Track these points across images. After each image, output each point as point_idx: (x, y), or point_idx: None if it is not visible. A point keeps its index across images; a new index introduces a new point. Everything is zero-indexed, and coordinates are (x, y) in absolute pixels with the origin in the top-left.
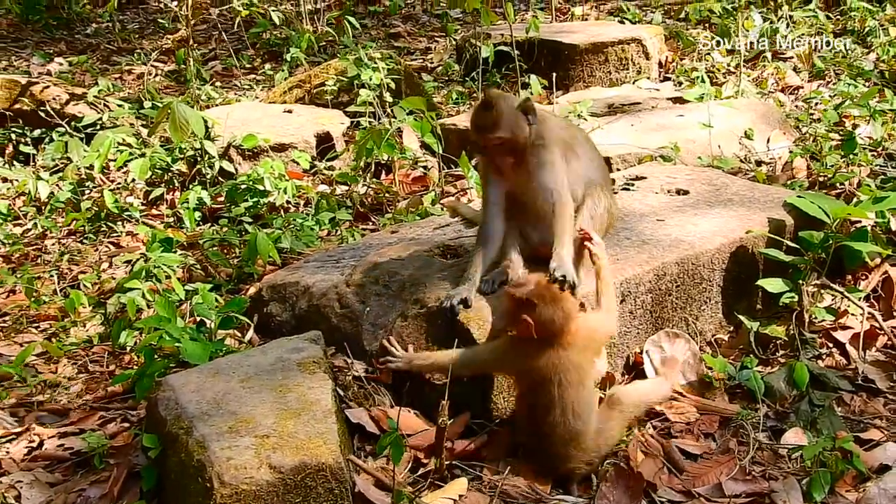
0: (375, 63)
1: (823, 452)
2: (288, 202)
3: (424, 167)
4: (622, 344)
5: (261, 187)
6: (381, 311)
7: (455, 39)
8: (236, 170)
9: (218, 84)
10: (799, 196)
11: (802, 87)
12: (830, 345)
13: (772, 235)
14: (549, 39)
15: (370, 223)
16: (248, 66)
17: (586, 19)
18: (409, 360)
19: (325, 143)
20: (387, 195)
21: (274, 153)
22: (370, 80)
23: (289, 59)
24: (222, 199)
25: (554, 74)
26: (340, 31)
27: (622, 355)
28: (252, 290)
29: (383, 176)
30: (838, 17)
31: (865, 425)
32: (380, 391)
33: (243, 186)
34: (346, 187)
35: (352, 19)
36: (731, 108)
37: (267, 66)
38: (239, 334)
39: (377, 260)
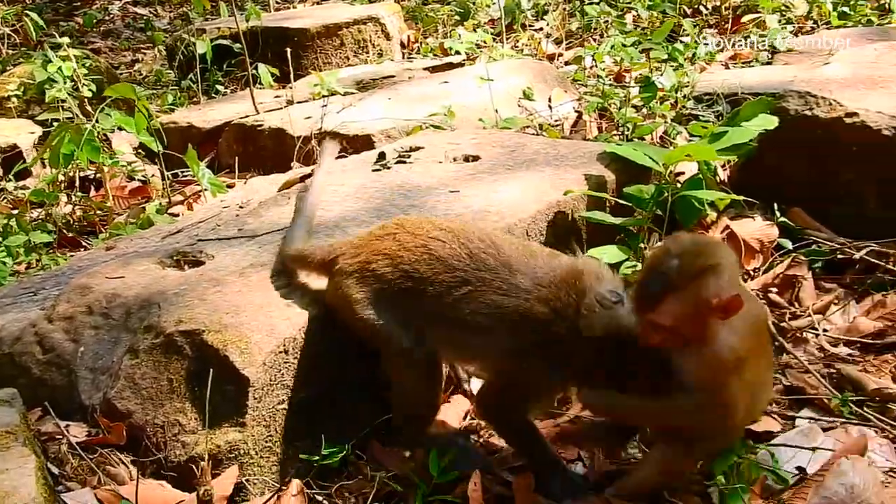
0: (66, 52)
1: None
2: None
3: (143, 178)
4: None
5: None
6: (102, 349)
7: (164, 44)
8: None
9: None
10: (618, 144)
11: (562, 55)
12: None
13: (594, 194)
14: (274, 26)
15: (82, 249)
16: None
17: None
18: None
19: (11, 159)
20: (99, 213)
21: None
22: (61, 72)
23: None
24: None
25: (289, 58)
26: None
27: None
28: None
29: (92, 192)
30: None
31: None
32: (111, 459)
33: None
34: (44, 208)
35: (35, 16)
36: (505, 66)
37: None
38: None
39: (89, 282)
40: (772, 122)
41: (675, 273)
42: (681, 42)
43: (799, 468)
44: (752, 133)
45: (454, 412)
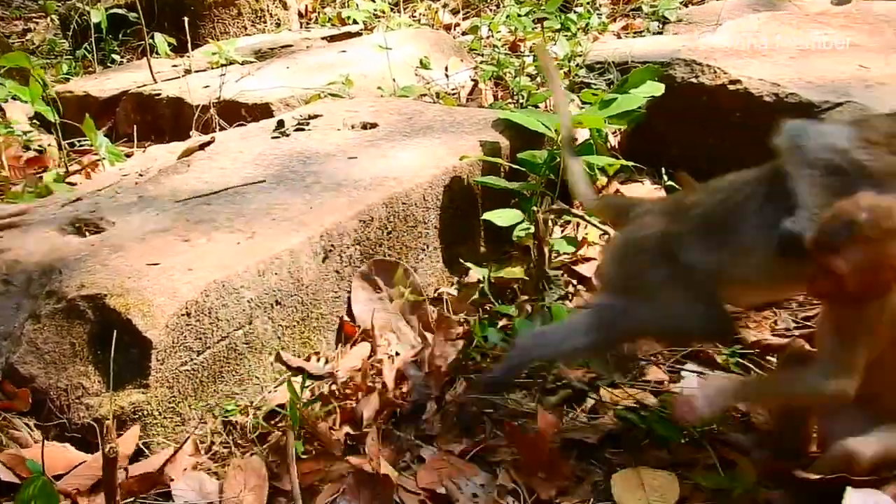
0: None
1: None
2: None
3: (40, 148)
4: (330, 314)
5: None
6: (3, 315)
7: (58, 13)
8: None
9: None
10: (512, 112)
11: (459, 25)
12: (575, 281)
13: (489, 159)
14: None
15: None
16: None
17: None
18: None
19: None
20: None
21: None
22: None
23: None
24: None
25: (186, 27)
26: None
27: (332, 329)
28: None
29: None
30: None
31: (642, 367)
32: (13, 423)
33: None
34: None
35: None
36: (402, 36)
37: None
38: None
39: None
40: (658, 88)
41: (867, 224)
42: (574, 12)
43: None
44: (640, 100)
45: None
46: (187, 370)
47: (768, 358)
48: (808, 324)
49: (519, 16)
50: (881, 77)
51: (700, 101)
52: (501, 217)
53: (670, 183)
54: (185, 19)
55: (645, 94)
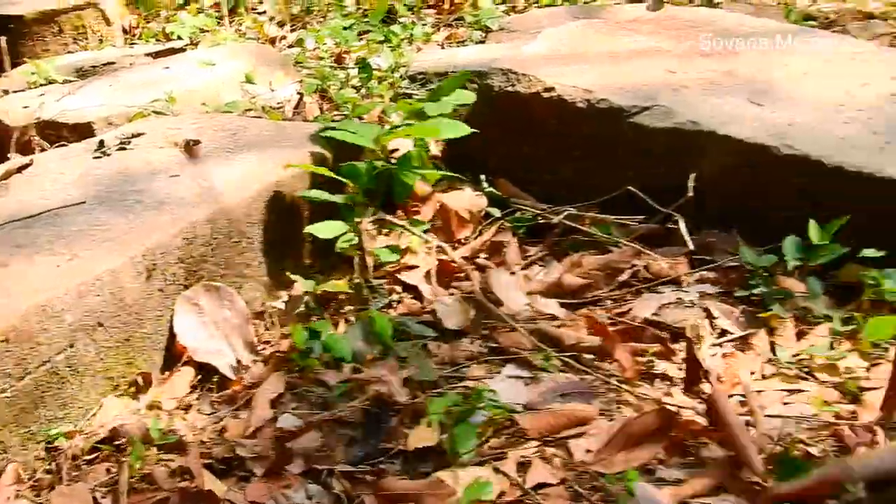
0: None
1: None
2: None
3: None
4: (155, 333)
5: None
6: None
7: None
8: None
9: None
10: (332, 126)
11: (285, 38)
12: (399, 289)
13: (310, 178)
14: None
15: None
16: None
17: None
18: None
19: None
20: None
21: None
22: None
23: None
24: None
25: (3, 46)
26: None
27: (157, 348)
28: None
29: None
30: None
31: (462, 370)
32: None
33: None
34: None
35: None
36: (228, 51)
37: None
38: None
39: None
40: (468, 97)
41: None
42: (399, 23)
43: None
44: (450, 107)
45: (182, 381)
46: (7, 397)
47: (585, 357)
48: (623, 320)
49: (344, 28)
50: (686, 80)
51: (517, 110)
52: (324, 229)
53: (490, 189)
54: (3, 39)
55: (455, 103)
